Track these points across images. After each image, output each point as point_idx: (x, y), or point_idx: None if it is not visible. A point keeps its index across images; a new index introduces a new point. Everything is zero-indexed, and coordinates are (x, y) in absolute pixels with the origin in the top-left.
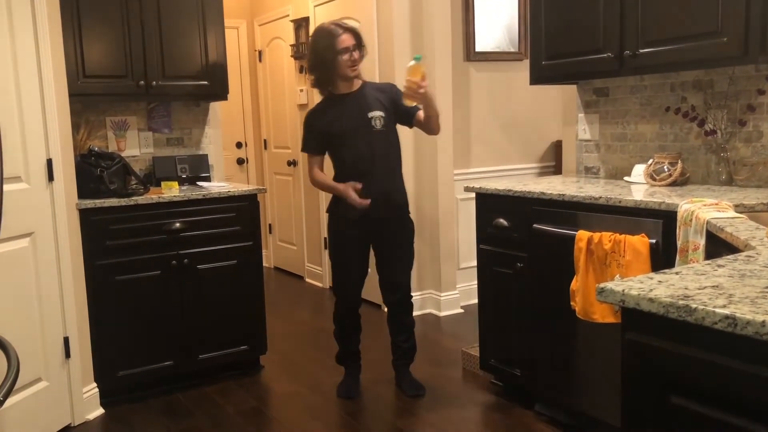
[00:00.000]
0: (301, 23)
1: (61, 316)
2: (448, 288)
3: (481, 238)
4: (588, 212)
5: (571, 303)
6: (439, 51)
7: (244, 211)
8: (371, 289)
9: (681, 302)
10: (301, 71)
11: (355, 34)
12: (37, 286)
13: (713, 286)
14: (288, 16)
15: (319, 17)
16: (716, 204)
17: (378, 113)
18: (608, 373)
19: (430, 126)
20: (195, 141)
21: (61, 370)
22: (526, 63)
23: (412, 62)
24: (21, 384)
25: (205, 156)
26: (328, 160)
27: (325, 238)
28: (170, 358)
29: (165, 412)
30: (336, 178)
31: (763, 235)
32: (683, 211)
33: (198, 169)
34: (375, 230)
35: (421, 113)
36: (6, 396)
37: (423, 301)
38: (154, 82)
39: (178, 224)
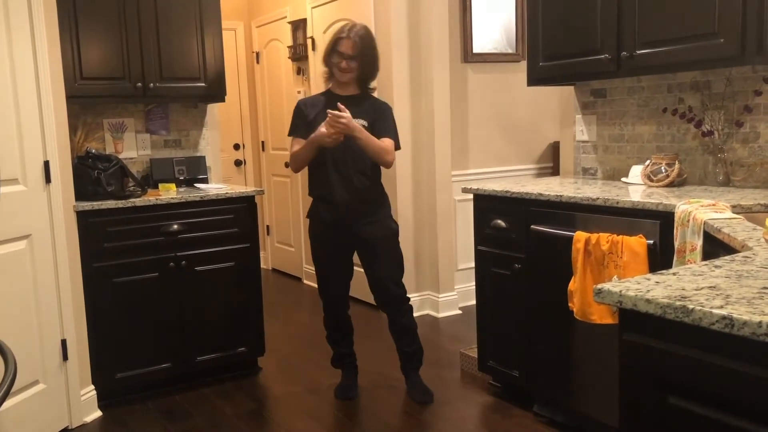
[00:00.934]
0: (298, 25)
1: (59, 318)
2: (446, 289)
3: (479, 240)
4: (586, 213)
5: (569, 304)
6: (436, 52)
7: (241, 212)
8: (366, 290)
9: (678, 303)
10: (298, 73)
11: (358, 46)
12: (34, 289)
13: (710, 287)
14: (285, 17)
15: (316, 19)
16: (713, 205)
17: (361, 121)
18: (606, 374)
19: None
20: (192, 143)
21: (58, 372)
22: (524, 64)
23: None
24: (18, 386)
25: (203, 158)
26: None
27: None
28: (168, 360)
29: (163, 414)
30: (310, 175)
31: (760, 236)
32: (681, 211)
33: (196, 170)
34: (353, 234)
35: (385, 140)
36: (3, 399)
37: (421, 303)
38: (152, 84)
39: (175, 226)
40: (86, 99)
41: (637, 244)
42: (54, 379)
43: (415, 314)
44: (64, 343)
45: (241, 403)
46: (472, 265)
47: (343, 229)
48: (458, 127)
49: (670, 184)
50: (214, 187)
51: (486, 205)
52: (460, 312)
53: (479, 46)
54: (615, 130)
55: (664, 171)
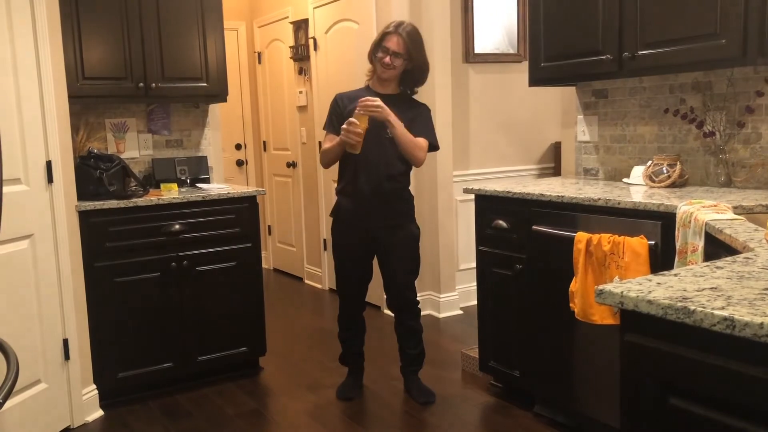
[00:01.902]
0: (300, 25)
1: (61, 317)
2: (448, 289)
3: (480, 240)
4: (587, 214)
5: (570, 304)
6: (438, 52)
7: (243, 212)
8: (373, 291)
9: (679, 304)
10: (300, 73)
11: (404, 43)
12: (36, 288)
13: (712, 288)
14: (287, 17)
15: (318, 19)
16: (715, 205)
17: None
18: (607, 375)
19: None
20: (194, 143)
21: (60, 371)
22: (526, 64)
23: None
24: (20, 386)
25: (205, 158)
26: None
27: (324, 240)
28: (170, 359)
29: (164, 414)
30: (339, 172)
31: (761, 237)
32: (682, 212)
33: (197, 170)
34: (375, 235)
35: (419, 138)
36: (5, 398)
37: (422, 303)
38: (154, 84)
39: (177, 226)
40: (88, 99)
41: (639, 244)
42: (56, 378)
43: None
44: (65, 342)
45: (243, 403)
46: (474, 265)
47: (364, 231)
48: (459, 128)
49: (672, 185)
50: (215, 187)
51: (487, 205)
52: (461, 312)
53: (481, 46)
54: (616, 131)
55: (665, 172)
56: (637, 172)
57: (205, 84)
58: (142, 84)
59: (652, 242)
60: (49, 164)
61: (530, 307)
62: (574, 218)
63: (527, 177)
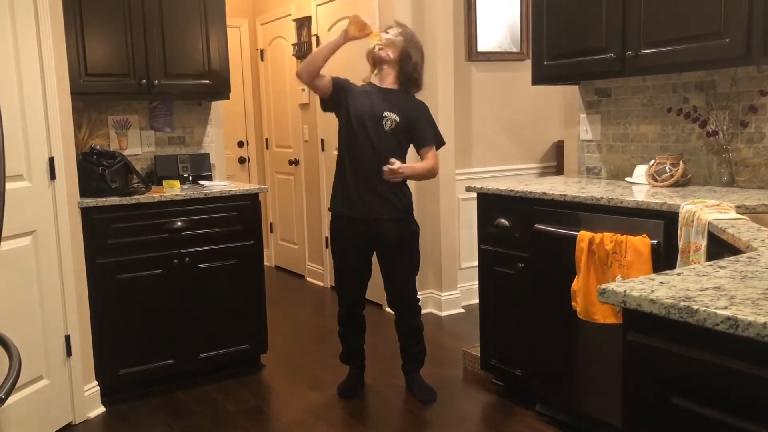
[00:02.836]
0: (303, 22)
1: (63, 314)
2: (449, 288)
3: (482, 238)
4: (589, 213)
5: (572, 303)
6: (441, 51)
7: (245, 210)
8: (374, 289)
9: (682, 303)
10: None
11: (405, 39)
12: (38, 285)
13: (715, 288)
14: (290, 15)
15: (321, 16)
16: (718, 205)
17: (393, 116)
18: (609, 374)
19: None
20: (197, 140)
21: (62, 368)
22: (528, 63)
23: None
24: (22, 382)
25: (207, 155)
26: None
27: (326, 237)
28: (171, 356)
29: (166, 411)
30: (337, 167)
31: (765, 237)
32: (685, 212)
33: (199, 168)
34: (373, 231)
35: (427, 157)
36: (8, 394)
37: (424, 301)
38: (156, 81)
39: (179, 223)
40: (91, 96)
41: (641, 244)
42: (58, 374)
43: None
44: (67, 339)
45: (244, 400)
46: (475, 263)
47: (363, 227)
48: (462, 126)
49: (675, 184)
50: (218, 185)
51: (489, 204)
52: (462, 310)
53: (484, 44)
54: (619, 130)
55: (668, 171)
56: (640, 171)
57: (207, 81)
58: (144, 81)
59: (655, 241)
60: (51, 161)
61: (532, 306)
62: (576, 217)
63: (529, 176)
